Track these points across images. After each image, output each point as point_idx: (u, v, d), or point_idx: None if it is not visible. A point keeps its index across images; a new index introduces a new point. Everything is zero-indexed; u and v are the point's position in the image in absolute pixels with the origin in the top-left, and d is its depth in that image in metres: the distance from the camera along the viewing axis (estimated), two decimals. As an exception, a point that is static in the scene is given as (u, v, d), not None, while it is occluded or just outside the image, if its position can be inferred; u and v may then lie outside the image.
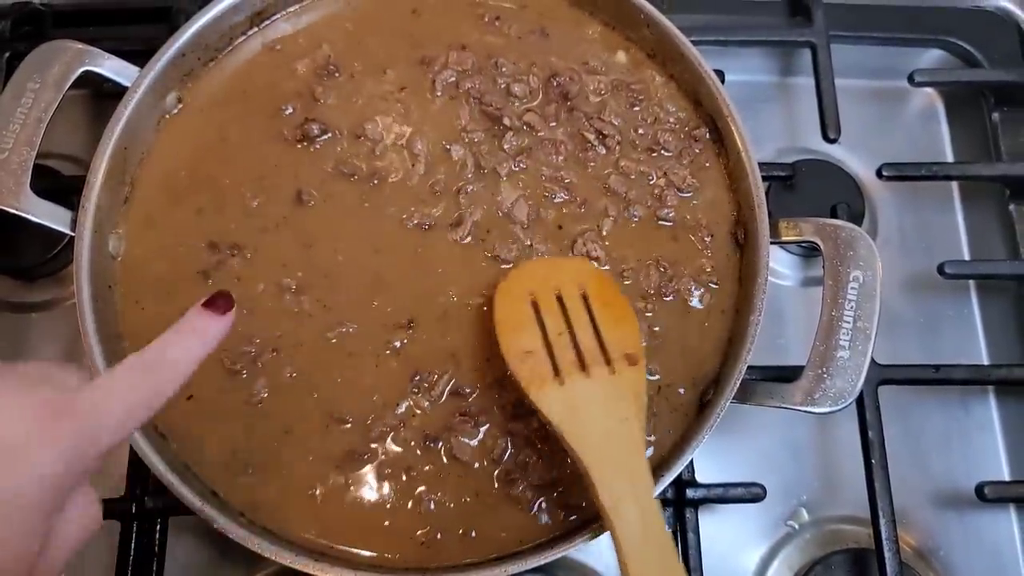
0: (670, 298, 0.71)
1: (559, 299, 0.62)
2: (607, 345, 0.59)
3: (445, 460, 0.66)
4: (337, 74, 0.76)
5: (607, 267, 0.71)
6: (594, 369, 0.58)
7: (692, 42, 0.74)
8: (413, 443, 0.66)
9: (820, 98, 0.87)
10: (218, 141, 0.74)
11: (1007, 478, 0.81)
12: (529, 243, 0.71)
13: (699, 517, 0.73)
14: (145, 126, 0.73)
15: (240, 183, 0.72)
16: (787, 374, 0.67)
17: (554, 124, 0.75)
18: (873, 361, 0.74)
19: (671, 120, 0.76)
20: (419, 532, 0.65)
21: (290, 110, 0.75)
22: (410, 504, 0.65)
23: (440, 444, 0.66)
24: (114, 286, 0.69)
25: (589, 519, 0.64)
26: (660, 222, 0.73)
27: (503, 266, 0.70)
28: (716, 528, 0.76)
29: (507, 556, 0.63)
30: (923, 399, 0.82)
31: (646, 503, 0.53)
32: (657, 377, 0.68)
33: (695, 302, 0.71)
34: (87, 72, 0.71)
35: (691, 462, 0.74)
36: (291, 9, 0.78)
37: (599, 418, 0.56)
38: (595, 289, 0.63)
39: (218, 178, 0.73)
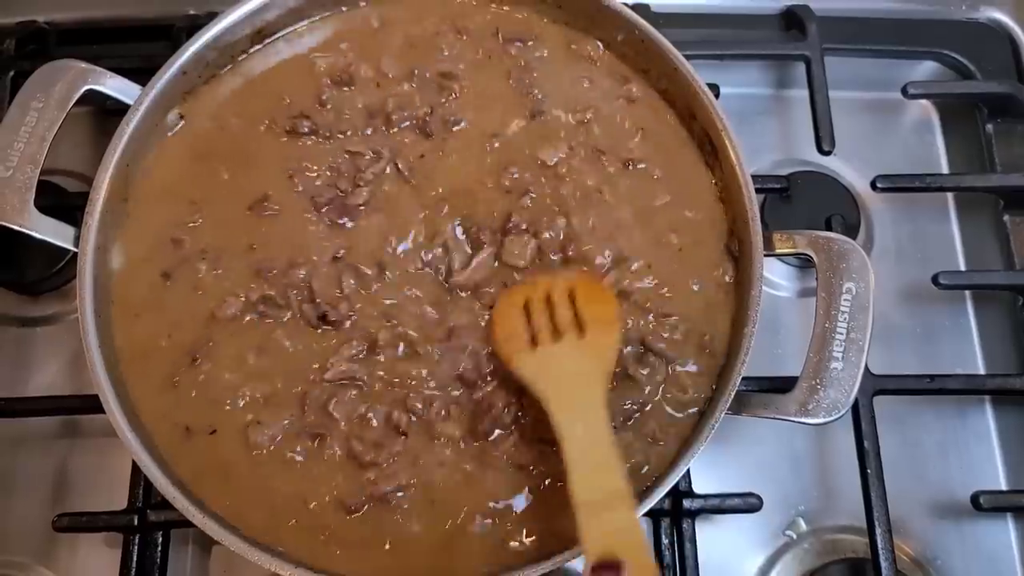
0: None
1: (548, 298, 0.69)
2: (582, 317, 0.67)
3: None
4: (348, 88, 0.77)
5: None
6: (566, 336, 0.66)
7: (687, 56, 0.75)
8: None
9: (814, 110, 0.88)
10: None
11: (1004, 487, 0.82)
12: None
13: (696, 528, 0.73)
14: (147, 143, 0.74)
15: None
16: (782, 385, 0.67)
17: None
18: (868, 371, 0.74)
19: None
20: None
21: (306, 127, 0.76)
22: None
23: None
24: (114, 300, 0.70)
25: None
26: None
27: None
28: (714, 539, 0.76)
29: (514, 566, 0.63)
30: (920, 409, 0.83)
31: (592, 419, 0.61)
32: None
33: None
34: (90, 90, 0.72)
35: (688, 472, 0.75)
36: (291, 29, 0.79)
37: (562, 367, 0.65)
38: (582, 287, 0.69)
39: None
